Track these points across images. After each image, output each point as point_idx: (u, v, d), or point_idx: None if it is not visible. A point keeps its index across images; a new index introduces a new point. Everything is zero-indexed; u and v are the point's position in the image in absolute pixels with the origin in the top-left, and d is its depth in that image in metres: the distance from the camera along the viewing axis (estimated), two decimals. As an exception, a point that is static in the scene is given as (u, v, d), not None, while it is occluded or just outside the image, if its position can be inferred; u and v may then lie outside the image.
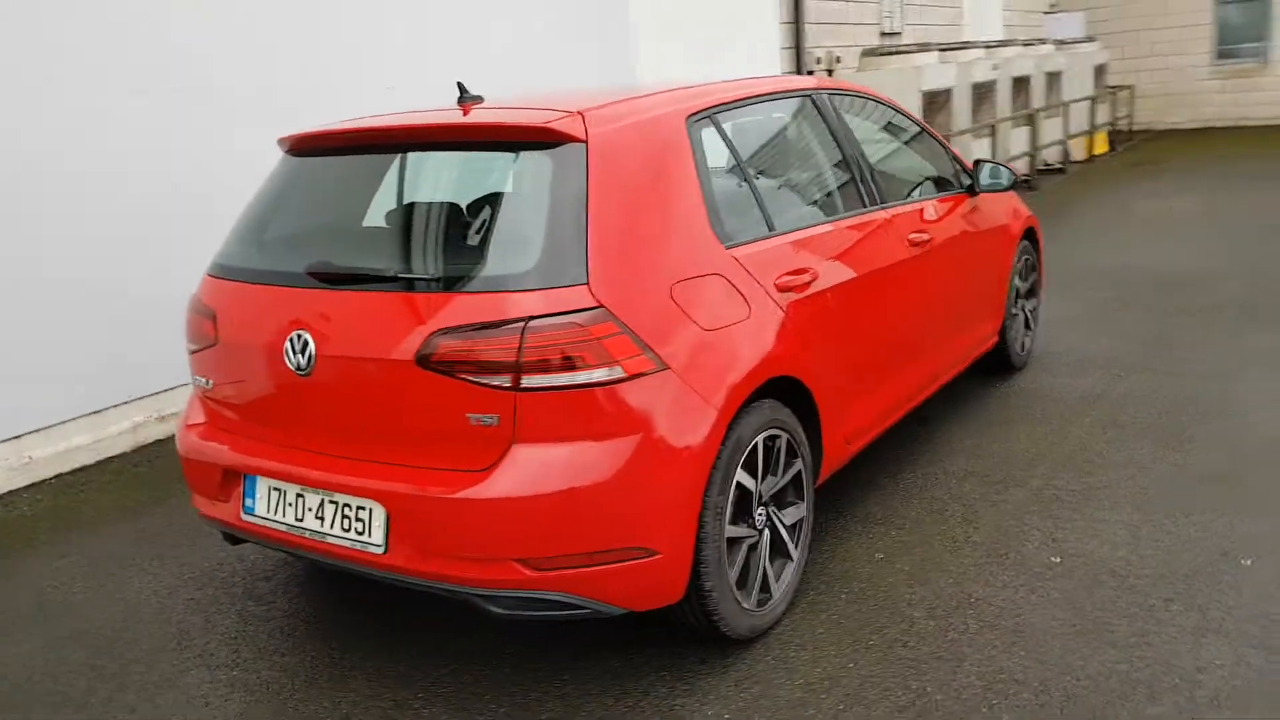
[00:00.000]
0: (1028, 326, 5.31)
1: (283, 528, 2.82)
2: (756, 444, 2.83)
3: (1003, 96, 11.93)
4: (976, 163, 4.49)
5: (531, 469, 2.48)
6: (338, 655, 3.05)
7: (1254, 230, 8.63)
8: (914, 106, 10.35)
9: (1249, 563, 3.17)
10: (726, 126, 3.19)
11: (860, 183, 3.71)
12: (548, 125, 2.66)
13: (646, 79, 8.55)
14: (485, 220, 2.72)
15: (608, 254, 2.56)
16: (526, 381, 2.45)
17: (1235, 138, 15.84)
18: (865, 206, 3.68)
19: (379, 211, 3.01)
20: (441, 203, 2.88)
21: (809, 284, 3.15)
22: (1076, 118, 14.19)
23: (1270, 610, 2.89)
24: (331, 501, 2.72)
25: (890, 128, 4.26)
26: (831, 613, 3.08)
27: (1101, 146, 14.98)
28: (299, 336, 2.71)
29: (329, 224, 3.09)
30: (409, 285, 2.64)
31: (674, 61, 8.96)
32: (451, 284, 2.58)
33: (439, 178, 2.97)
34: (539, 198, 2.62)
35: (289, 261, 2.96)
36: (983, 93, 11.63)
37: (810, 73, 10.91)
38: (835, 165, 3.71)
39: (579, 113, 2.72)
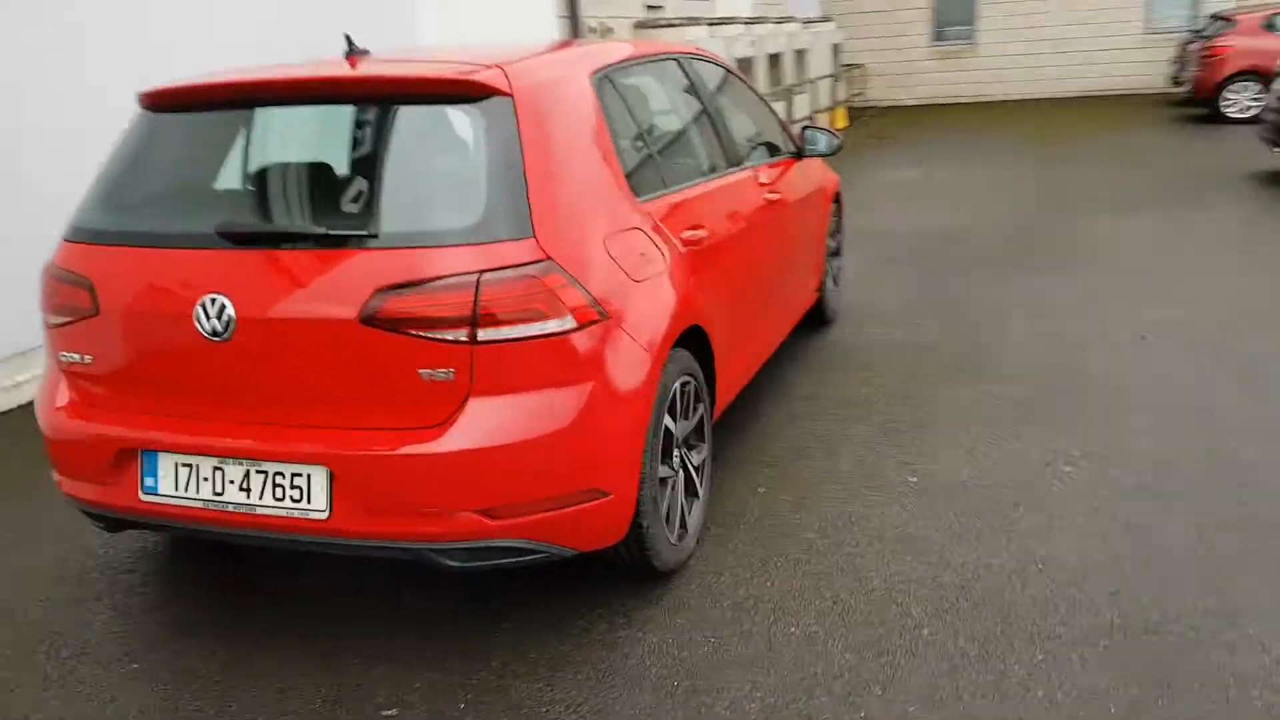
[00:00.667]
0: (835, 283, 5.79)
1: (197, 504, 2.68)
2: (675, 389, 2.99)
3: (760, 72, 12.66)
4: (804, 128, 4.85)
5: (491, 420, 2.51)
6: (246, 636, 2.93)
7: (987, 192, 9.77)
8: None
9: (1069, 469, 3.71)
10: (621, 85, 3.30)
11: (724, 144, 3.95)
12: (474, 79, 2.66)
13: (431, 43, 8.40)
14: (414, 175, 2.69)
15: (547, 207, 2.62)
16: (483, 335, 2.47)
17: (951, 113, 17.67)
18: (730, 166, 3.92)
19: (278, 169, 2.89)
20: (360, 157, 2.80)
21: (703, 239, 3.33)
22: (822, 93, 15.30)
23: (1095, 505, 3.42)
24: (259, 471, 2.61)
25: (736, 93, 4.52)
26: (736, 542, 3.31)
27: (842, 121, 16.22)
28: (213, 301, 2.57)
29: (223, 183, 2.92)
30: (341, 242, 2.57)
31: (457, 25, 8.86)
32: (391, 240, 2.54)
33: (343, 132, 2.87)
34: (472, 152, 2.63)
35: (187, 223, 2.79)
36: (742, 68, 12.28)
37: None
38: (706, 126, 3.91)
39: (499, 66, 2.74)
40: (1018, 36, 19.06)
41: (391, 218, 2.64)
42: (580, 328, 2.58)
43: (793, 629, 2.82)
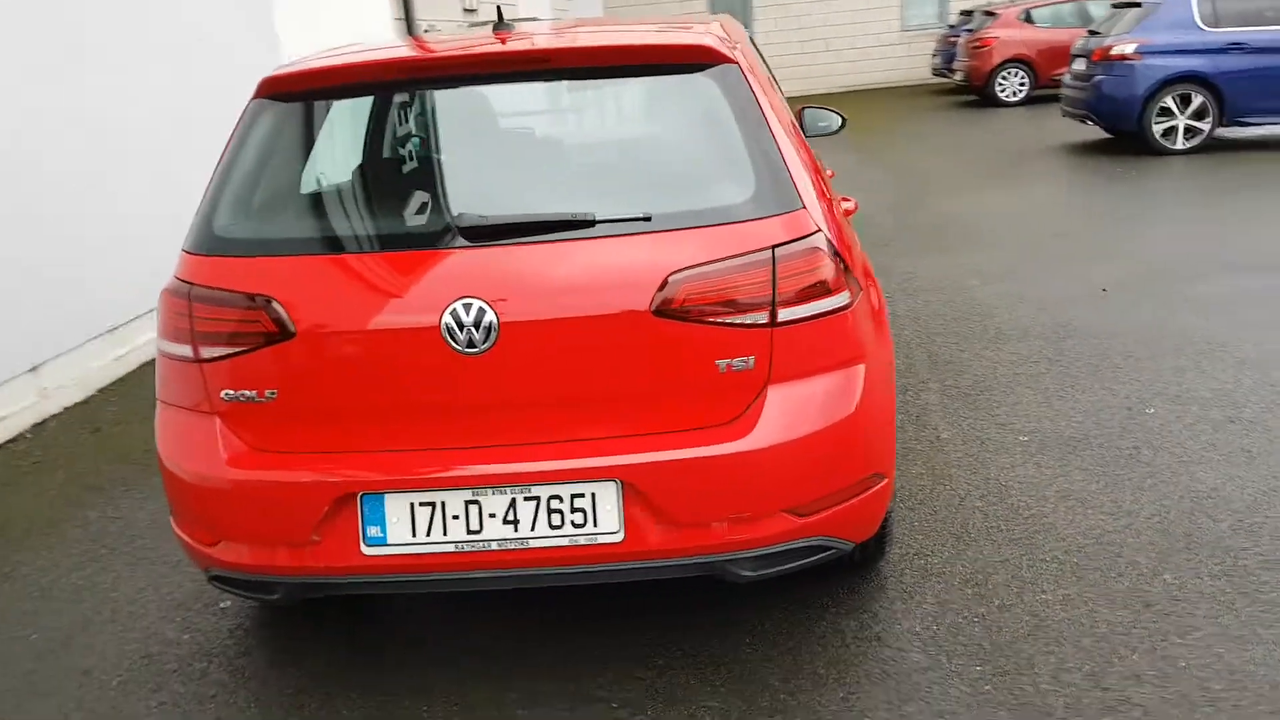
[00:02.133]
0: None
1: (445, 549, 2.26)
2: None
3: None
4: (802, 109, 4.83)
5: (792, 410, 2.29)
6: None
7: (840, 186, 10.20)
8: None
9: (1152, 411, 3.91)
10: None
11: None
12: (707, 45, 2.42)
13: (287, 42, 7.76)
14: (666, 150, 2.41)
15: (799, 177, 2.42)
16: (783, 315, 2.25)
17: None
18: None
19: (492, 152, 2.49)
20: (597, 135, 2.47)
21: (848, 211, 3.24)
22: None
23: (1209, 441, 3.61)
24: (529, 498, 2.24)
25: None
26: (912, 522, 3.22)
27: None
28: (468, 307, 2.18)
29: (419, 172, 2.49)
30: (617, 227, 2.25)
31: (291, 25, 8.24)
32: (670, 220, 2.25)
33: (562, 109, 2.53)
34: (723, 122, 2.38)
35: (399, 221, 2.35)
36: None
37: (420, 48, 10.61)
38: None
39: (711, 34, 2.51)
40: (792, 37, 20.11)
41: (660, 196, 2.34)
42: (851, 303, 2.41)
43: (1044, 594, 2.78)
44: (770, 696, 2.45)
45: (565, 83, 2.48)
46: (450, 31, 11.34)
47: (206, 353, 2.32)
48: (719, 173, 2.35)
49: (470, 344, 2.19)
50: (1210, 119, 9.40)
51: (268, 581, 2.40)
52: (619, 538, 2.23)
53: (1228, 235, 6.63)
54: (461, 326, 2.18)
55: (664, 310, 2.19)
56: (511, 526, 2.25)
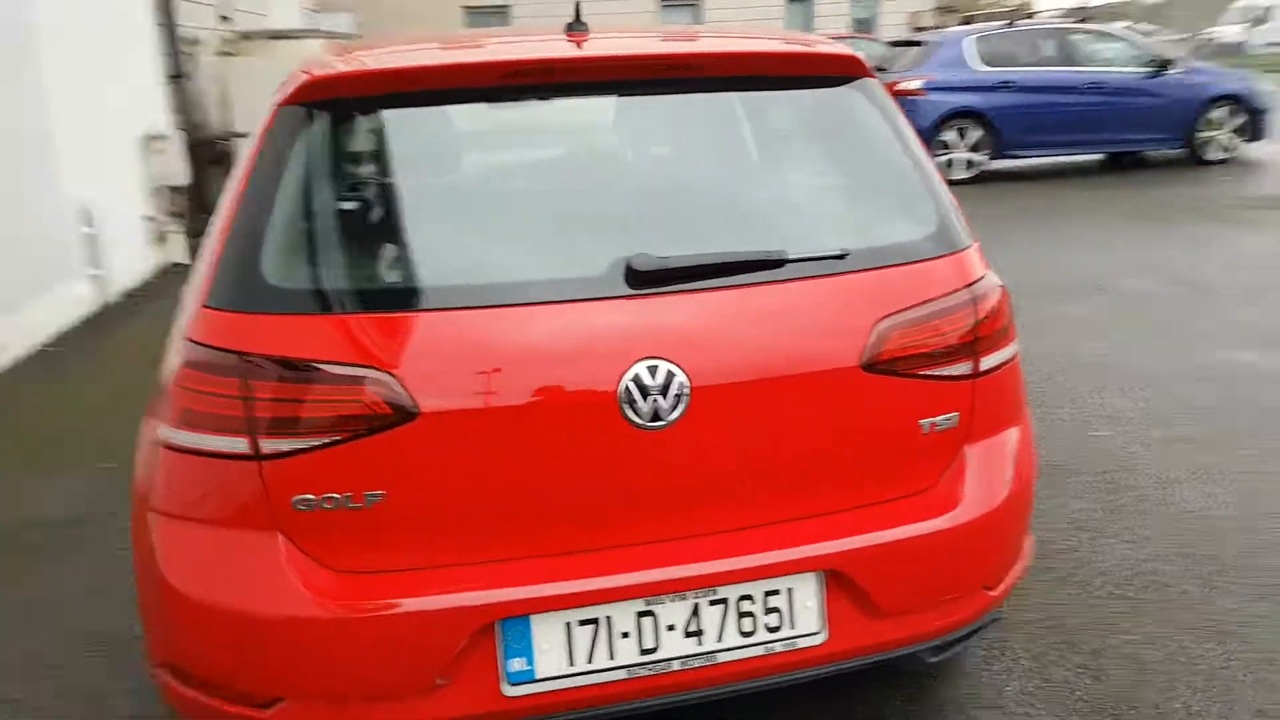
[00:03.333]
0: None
1: (615, 677, 1.80)
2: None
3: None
4: None
5: (989, 473, 2.03)
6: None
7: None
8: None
9: (1101, 434, 4.01)
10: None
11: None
12: (853, 56, 2.11)
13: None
14: (824, 174, 2.06)
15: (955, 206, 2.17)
16: (984, 364, 1.98)
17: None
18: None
19: (637, 175, 2.02)
20: (756, 158, 2.06)
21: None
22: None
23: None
24: (715, 601, 1.83)
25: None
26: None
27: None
28: (652, 370, 1.74)
29: (566, 200, 1.97)
30: (811, 267, 1.88)
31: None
32: (864, 258, 1.91)
33: (696, 124, 2.09)
34: (879, 144, 2.08)
35: (549, 262, 1.84)
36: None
37: (189, 56, 9.40)
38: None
39: (840, 44, 2.20)
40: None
41: (835, 230, 2.00)
42: (1018, 349, 2.18)
43: (1128, 636, 2.67)
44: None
45: (697, 95, 2.06)
46: (209, 43, 10.18)
47: (272, 446, 1.71)
48: (890, 202, 2.05)
49: (655, 416, 1.74)
50: (986, 151, 10.19)
51: (356, 746, 1.80)
52: (820, 639, 1.87)
53: (1031, 260, 7.08)
54: (645, 394, 1.73)
55: (873, 364, 1.85)
56: (695, 640, 1.83)
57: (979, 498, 1.97)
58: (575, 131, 2.16)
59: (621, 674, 1.80)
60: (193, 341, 1.79)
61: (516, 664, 1.77)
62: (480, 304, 1.75)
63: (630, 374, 1.73)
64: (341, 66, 1.93)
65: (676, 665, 1.81)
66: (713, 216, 1.99)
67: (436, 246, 1.89)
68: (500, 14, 20.02)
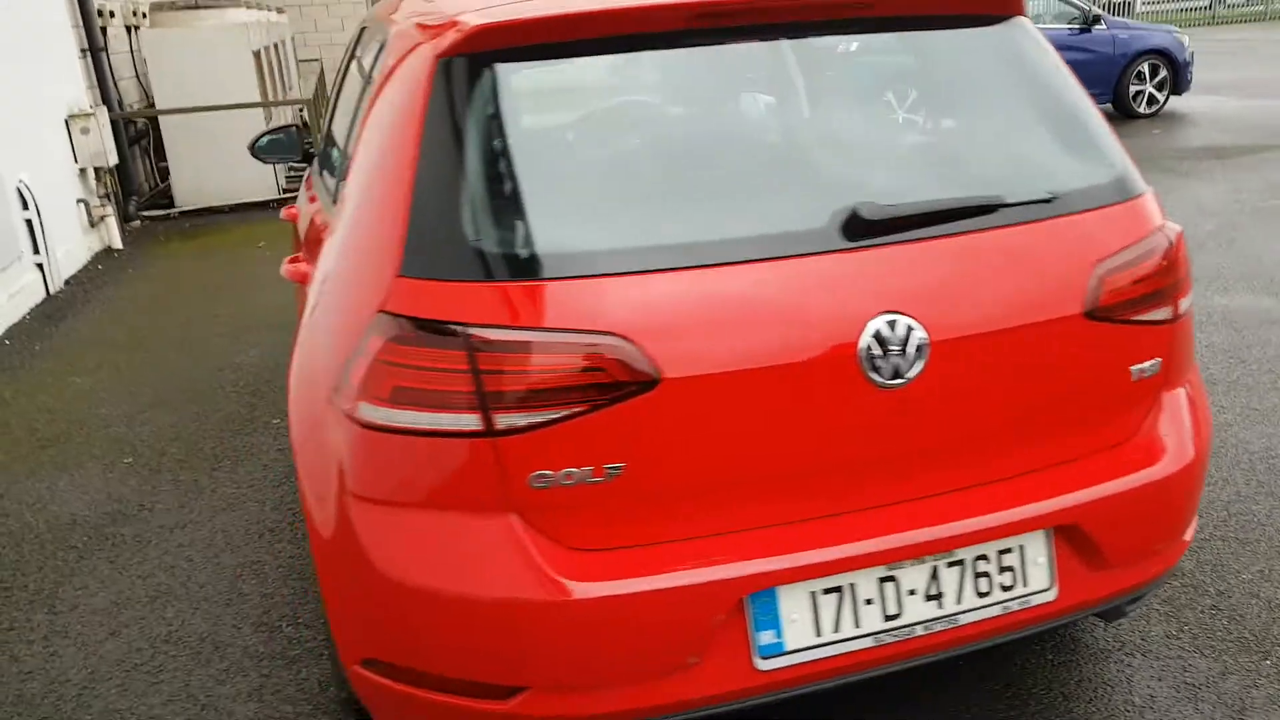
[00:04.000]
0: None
1: (863, 644, 1.73)
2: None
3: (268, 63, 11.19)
4: None
5: (1183, 418, 2.01)
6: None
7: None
8: (247, 68, 9.20)
9: None
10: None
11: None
12: (1017, -4, 2.04)
13: None
14: (998, 114, 1.99)
15: None
16: (1181, 307, 1.97)
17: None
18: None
19: (826, 122, 1.92)
20: (929, 100, 1.98)
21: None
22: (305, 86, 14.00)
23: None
24: (952, 564, 1.77)
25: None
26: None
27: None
28: (891, 324, 1.67)
29: (764, 150, 1.86)
30: (1027, 212, 1.82)
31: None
32: (1065, 203, 1.86)
33: (861, 66, 2.00)
34: (1046, 83, 2.01)
35: (767, 214, 1.73)
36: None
37: (103, 29, 8.82)
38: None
39: None
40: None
41: (1037, 172, 1.93)
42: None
43: (1242, 574, 2.73)
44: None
45: (873, 36, 1.98)
46: (126, 17, 9.55)
47: (508, 422, 1.58)
48: (1071, 144, 2.00)
49: (895, 373, 1.67)
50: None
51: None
52: (1052, 595, 1.84)
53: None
54: (886, 351, 1.66)
55: (1094, 311, 1.81)
56: (935, 603, 1.77)
57: (1181, 444, 1.96)
58: (759, 78, 2.05)
59: (868, 641, 1.73)
60: (393, 314, 1.64)
61: (766, 637, 1.69)
62: (710, 262, 1.65)
63: (870, 330, 1.66)
64: (499, 14, 1.78)
65: (920, 630, 1.76)
66: (914, 162, 1.92)
67: (650, 203, 1.76)
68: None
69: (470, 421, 1.59)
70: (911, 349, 1.67)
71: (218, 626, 2.75)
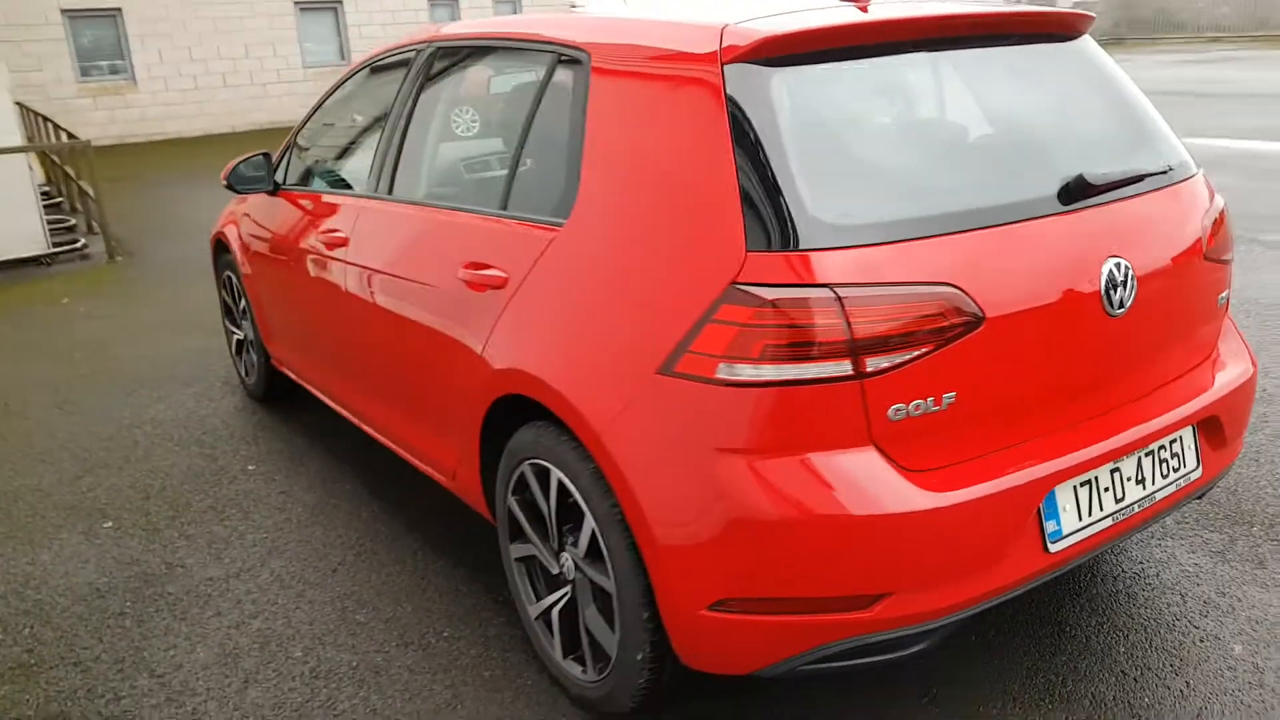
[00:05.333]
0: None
1: (1105, 524, 2.15)
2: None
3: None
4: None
5: (1238, 338, 2.63)
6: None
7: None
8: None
9: None
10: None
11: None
12: (1088, 15, 2.58)
13: None
14: (1100, 112, 2.48)
15: None
16: (1234, 252, 2.58)
17: (158, 153, 16.27)
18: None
19: (1015, 114, 2.36)
20: (1061, 98, 2.43)
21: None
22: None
23: None
24: (1147, 454, 2.24)
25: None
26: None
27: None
28: (1119, 266, 2.12)
29: (995, 137, 2.32)
30: (1157, 181, 2.33)
31: None
32: (1174, 174, 2.40)
33: (1018, 76, 2.42)
34: (1120, 89, 2.55)
35: (1024, 184, 2.14)
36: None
37: None
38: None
39: None
40: (179, 70, 18.31)
41: (1153, 151, 2.43)
42: None
43: None
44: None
45: (1010, 49, 2.41)
46: None
47: (875, 365, 1.86)
48: (1150, 132, 2.53)
49: (1120, 304, 2.12)
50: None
51: (930, 629, 1.99)
52: (1199, 473, 2.36)
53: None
54: (1115, 287, 2.11)
55: (1208, 252, 2.37)
56: (1140, 486, 2.23)
57: (1245, 355, 2.56)
58: (938, 80, 2.42)
59: (1108, 521, 2.15)
60: (754, 284, 1.86)
61: (1050, 526, 2.05)
62: (1001, 222, 2.02)
63: (1106, 270, 2.10)
64: (777, 25, 2.06)
65: (1136, 508, 2.20)
66: (1078, 143, 2.38)
67: (944, 178, 2.10)
68: None
69: (844, 368, 1.84)
70: (1130, 285, 2.13)
71: (357, 654, 2.69)
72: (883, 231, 1.93)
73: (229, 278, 4.67)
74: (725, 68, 2.02)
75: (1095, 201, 2.16)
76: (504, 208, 2.57)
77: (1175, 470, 2.29)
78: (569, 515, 2.36)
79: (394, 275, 2.97)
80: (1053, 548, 2.05)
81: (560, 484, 2.30)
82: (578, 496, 2.23)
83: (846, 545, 1.88)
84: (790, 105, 2.00)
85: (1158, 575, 2.84)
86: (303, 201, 3.77)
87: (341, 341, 3.43)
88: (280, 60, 19.20)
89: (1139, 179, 2.27)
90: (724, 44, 2.04)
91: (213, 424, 4.45)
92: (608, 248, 2.18)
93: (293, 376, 4.13)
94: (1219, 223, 2.46)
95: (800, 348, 1.84)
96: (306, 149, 3.97)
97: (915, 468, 1.94)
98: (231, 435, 4.31)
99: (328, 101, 3.94)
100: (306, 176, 3.92)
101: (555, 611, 2.47)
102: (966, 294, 1.92)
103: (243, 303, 4.54)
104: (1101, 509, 2.14)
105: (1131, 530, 2.23)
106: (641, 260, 2.09)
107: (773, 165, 1.93)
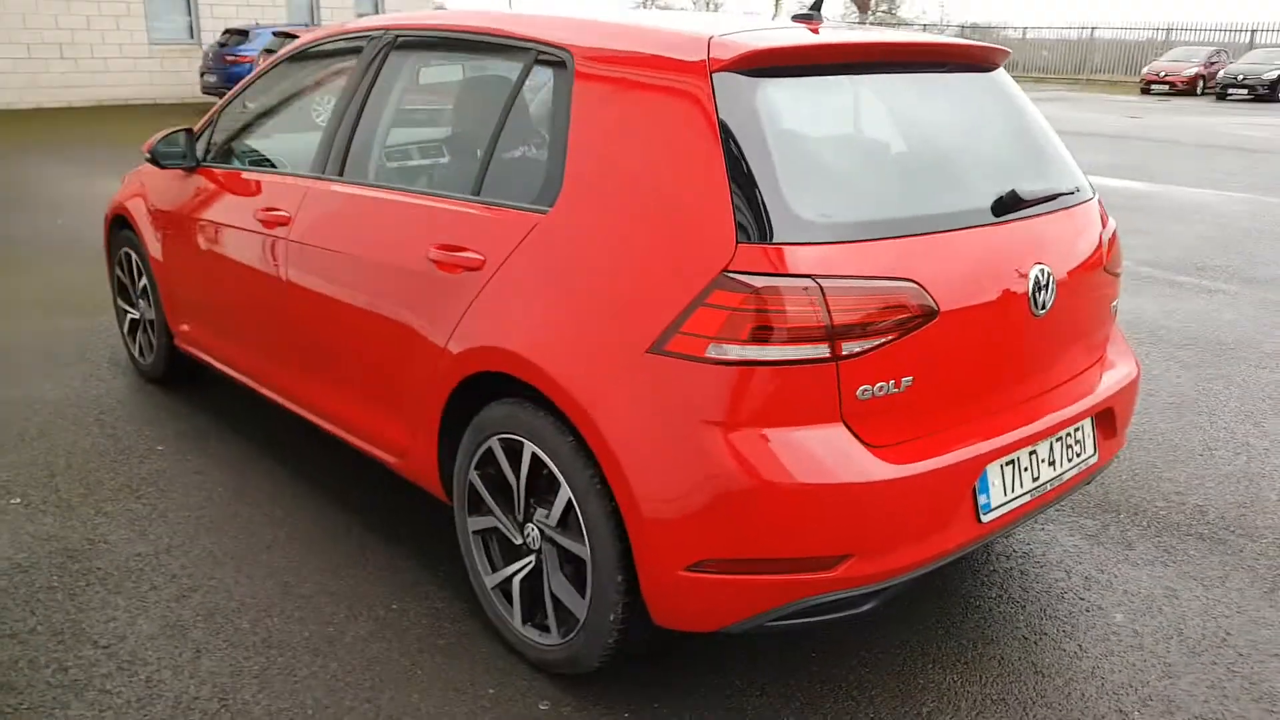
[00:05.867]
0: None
1: (1023, 500, 2.45)
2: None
3: None
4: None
5: (1124, 341, 3.01)
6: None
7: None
8: None
9: None
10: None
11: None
12: (1004, 49, 2.91)
13: None
14: (1022, 136, 2.78)
15: None
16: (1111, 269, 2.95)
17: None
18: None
19: (950, 135, 2.58)
20: (977, 124, 2.71)
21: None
22: None
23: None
24: (1057, 440, 2.55)
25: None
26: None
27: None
28: (1044, 271, 2.42)
29: (940, 153, 2.54)
30: (1070, 199, 2.66)
31: None
32: (1077, 196, 2.74)
33: (954, 100, 2.68)
34: (1030, 115, 2.88)
35: (969, 195, 2.41)
36: None
37: None
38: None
39: None
40: (17, 38, 17.11)
41: (1061, 174, 2.73)
42: None
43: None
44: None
45: (939, 75, 2.69)
46: None
47: (849, 349, 2.09)
48: (1055, 157, 2.85)
49: (1042, 306, 2.43)
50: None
51: (882, 588, 2.23)
52: (1095, 458, 2.70)
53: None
54: (1040, 289, 2.41)
55: (1106, 265, 2.72)
56: (1051, 468, 2.54)
57: (1131, 358, 2.94)
58: (887, 99, 2.66)
59: (1027, 497, 2.44)
60: (743, 272, 2.05)
61: (983, 499, 2.33)
62: (951, 228, 2.28)
63: (1033, 275, 2.39)
64: (760, 40, 2.27)
65: (1049, 486, 2.51)
66: (1005, 162, 2.67)
67: (901, 185, 2.35)
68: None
69: (822, 351, 2.06)
70: (1051, 288, 2.43)
71: (308, 626, 2.72)
72: (855, 230, 2.16)
73: (126, 254, 4.52)
74: (713, 76, 2.20)
75: (1023, 214, 2.46)
76: (477, 194, 2.67)
77: (1078, 455, 2.62)
78: (538, 487, 2.48)
79: (347, 254, 3.01)
80: (984, 519, 2.33)
81: (534, 457, 2.42)
82: (554, 468, 2.36)
83: (817, 510, 2.09)
84: (771, 113, 2.21)
85: (1044, 555, 3.20)
86: (231, 179, 3.73)
87: (275, 322, 3.41)
88: (124, 35, 18.20)
89: (1055, 197, 2.60)
90: (711, 54, 2.23)
91: (108, 404, 4.29)
92: (598, 236, 2.32)
93: (203, 358, 4.04)
94: (1113, 240, 2.82)
95: (785, 331, 2.04)
96: (235, 127, 3.92)
97: (876, 443, 2.17)
98: (131, 416, 4.18)
99: (258, 81, 3.90)
100: (235, 155, 3.87)
101: (516, 580, 2.58)
102: (924, 289, 2.17)
103: (143, 281, 4.40)
104: (1021, 486, 2.44)
105: (1043, 506, 2.54)
106: (632, 248, 2.24)
107: (759, 167, 2.13)
